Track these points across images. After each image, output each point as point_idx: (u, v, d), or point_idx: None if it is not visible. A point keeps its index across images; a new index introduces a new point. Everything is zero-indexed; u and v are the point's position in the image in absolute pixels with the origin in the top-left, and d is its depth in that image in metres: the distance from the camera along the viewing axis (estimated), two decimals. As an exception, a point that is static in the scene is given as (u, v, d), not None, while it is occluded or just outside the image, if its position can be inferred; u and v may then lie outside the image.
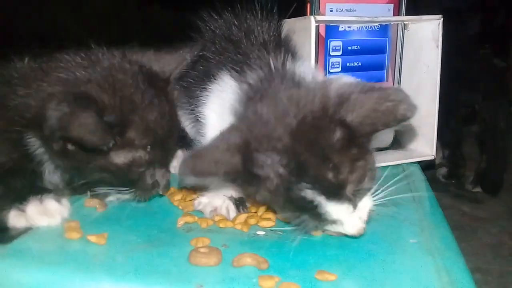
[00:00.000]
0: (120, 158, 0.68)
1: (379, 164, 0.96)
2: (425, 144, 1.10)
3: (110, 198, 0.77)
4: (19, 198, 0.69)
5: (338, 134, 0.60)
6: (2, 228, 0.69)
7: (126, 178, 0.71)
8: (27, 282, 0.57)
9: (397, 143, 1.15)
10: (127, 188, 0.72)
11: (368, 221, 0.67)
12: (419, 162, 1.09)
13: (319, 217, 0.62)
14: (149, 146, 0.69)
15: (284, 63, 0.75)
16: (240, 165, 0.60)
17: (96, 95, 0.64)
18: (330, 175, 0.59)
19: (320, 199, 0.60)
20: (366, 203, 0.65)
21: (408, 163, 1.07)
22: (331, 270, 0.59)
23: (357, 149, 0.61)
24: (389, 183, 0.75)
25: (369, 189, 0.65)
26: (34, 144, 0.69)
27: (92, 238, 0.65)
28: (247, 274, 0.58)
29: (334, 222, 0.64)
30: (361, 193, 0.64)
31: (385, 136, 1.12)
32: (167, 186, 0.77)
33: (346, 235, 0.67)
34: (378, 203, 0.67)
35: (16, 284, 0.57)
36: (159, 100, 0.70)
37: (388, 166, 1.01)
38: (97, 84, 0.65)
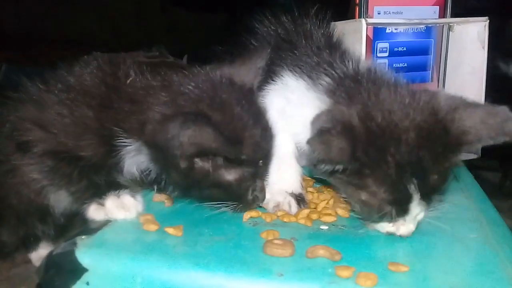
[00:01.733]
0: (231, 174, 0.71)
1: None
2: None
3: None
4: (99, 192, 0.74)
5: (447, 141, 0.65)
6: (83, 219, 0.73)
7: (233, 194, 0.73)
8: (117, 270, 0.61)
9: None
10: (231, 203, 0.74)
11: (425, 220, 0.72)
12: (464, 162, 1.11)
13: (402, 213, 0.66)
14: (261, 161, 0.72)
15: (351, 64, 0.78)
16: (350, 151, 0.63)
17: (211, 113, 0.67)
18: (435, 177, 0.64)
19: (416, 197, 0.65)
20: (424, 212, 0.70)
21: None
22: (402, 262, 0.62)
23: (453, 158, 0.67)
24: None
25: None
26: (124, 144, 0.72)
27: (170, 230, 0.69)
28: (322, 265, 0.61)
29: (402, 220, 0.68)
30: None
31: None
32: (264, 198, 0.78)
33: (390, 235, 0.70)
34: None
35: (107, 271, 0.61)
36: (258, 114, 0.73)
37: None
38: (207, 103, 0.68)
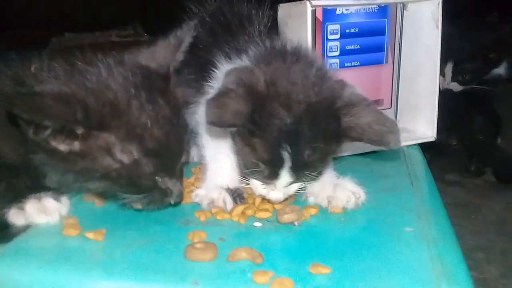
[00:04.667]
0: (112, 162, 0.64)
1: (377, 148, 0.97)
2: (425, 126, 1.09)
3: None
4: (19, 196, 0.70)
5: (332, 126, 0.69)
6: (2, 226, 0.70)
7: (127, 186, 0.67)
8: (26, 280, 0.58)
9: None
10: (139, 196, 0.69)
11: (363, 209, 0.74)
12: (419, 144, 1.09)
13: (273, 177, 0.71)
14: (135, 153, 0.64)
15: (284, 44, 0.79)
16: (249, 113, 0.66)
17: (80, 98, 0.62)
18: (308, 153, 0.68)
19: (287, 164, 0.68)
20: (296, 187, 0.74)
21: (408, 145, 1.06)
22: (325, 263, 0.59)
23: (334, 146, 0.71)
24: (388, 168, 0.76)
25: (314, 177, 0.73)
26: None
27: (90, 235, 0.66)
28: (242, 269, 0.59)
29: (273, 185, 0.72)
30: (305, 179, 0.72)
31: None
32: (180, 196, 0.72)
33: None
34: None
35: (16, 283, 0.58)
36: (152, 104, 0.66)
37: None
38: (85, 88, 0.63)
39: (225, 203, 0.76)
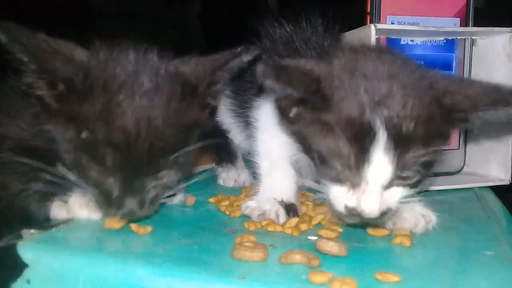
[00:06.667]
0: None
1: (449, 187, 0.88)
2: (498, 168, 1.00)
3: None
4: (64, 188, 0.67)
5: (433, 101, 0.60)
6: (44, 218, 0.67)
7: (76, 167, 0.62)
8: (60, 267, 0.53)
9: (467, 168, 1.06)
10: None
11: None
12: (492, 187, 0.99)
13: (361, 163, 0.57)
14: (86, 131, 0.58)
15: None
16: (314, 86, 0.59)
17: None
18: (411, 124, 0.56)
19: (382, 139, 0.55)
20: (397, 195, 0.61)
21: (480, 187, 0.96)
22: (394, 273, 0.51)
23: (439, 123, 0.60)
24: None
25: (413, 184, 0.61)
26: None
27: (133, 227, 0.62)
28: (295, 271, 0.51)
29: (364, 183, 0.58)
30: (407, 179, 0.60)
31: (455, 161, 1.03)
32: (129, 214, 0.62)
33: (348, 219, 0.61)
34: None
35: (49, 268, 0.54)
36: (149, 103, 0.61)
37: (458, 189, 0.93)
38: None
39: (277, 215, 0.69)
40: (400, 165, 0.57)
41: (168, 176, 0.64)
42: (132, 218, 0.63)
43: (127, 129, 0.59)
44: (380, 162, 0.56)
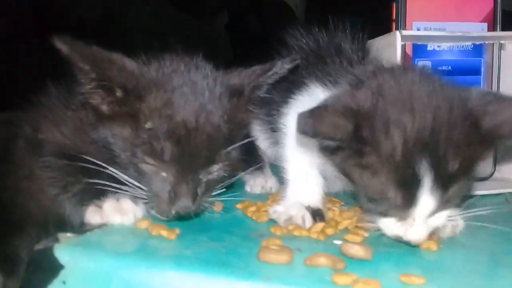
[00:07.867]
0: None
1: (479, 193, 0.87)
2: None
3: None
4: (99, 194, 0.70)
5: (471, 130, 0.60)
6: (79, 223, 0.70)
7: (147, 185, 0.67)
8: (94, 269, 0.56)
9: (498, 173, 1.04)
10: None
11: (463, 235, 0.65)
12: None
13: (409, 204, 0.58)
14: (151, 129, 0.64)
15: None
16: (352, 130, 0.59)
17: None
18: (450, 163, 0.57)
19: (428, 181, 0.56)
20: (442, 218, 0.61)
21: (510, 192, 0.95)
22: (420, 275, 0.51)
23: (480, 150, 0.60)
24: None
25: (457, 205, 0.62)
26: None
27: (163, 232, 0.63)
28: (320, 273, 0.52)
29: (411, 219, 0.59)
30: (451, 203, 0.60)
31: (486, 166, 1.01)
32: (184, 208, 0.66)
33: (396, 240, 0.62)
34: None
35: (84, 270, 0.56)
36: (201, 100, 0.67)
37: (488, 195, 0.92)
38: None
39: (304, 220, 0.70)
40: (445, 199, 0.59)
41: (218, 171, 0.70)
42: (185, 212, 0.67)
43: (188, 121, 0.64)
44: (426, 202, 0.58)
